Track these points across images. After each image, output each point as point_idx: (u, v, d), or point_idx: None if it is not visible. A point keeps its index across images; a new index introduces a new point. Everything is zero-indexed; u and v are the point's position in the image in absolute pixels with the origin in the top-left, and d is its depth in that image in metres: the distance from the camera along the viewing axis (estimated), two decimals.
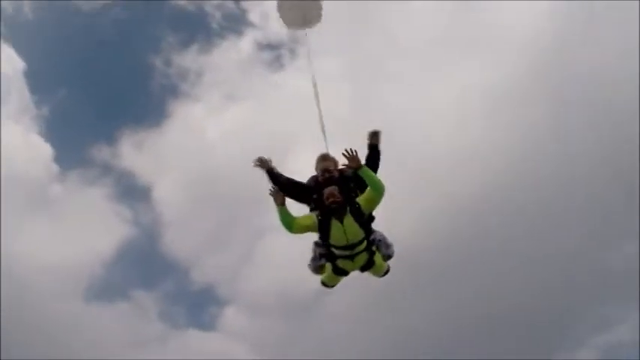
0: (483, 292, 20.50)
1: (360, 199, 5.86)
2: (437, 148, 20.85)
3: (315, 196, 6.07)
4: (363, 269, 6.15)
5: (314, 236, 6.04)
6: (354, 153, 5.74)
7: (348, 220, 5.80)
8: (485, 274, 20.70)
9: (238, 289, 24.00)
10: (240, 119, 25.89)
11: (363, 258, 5.99)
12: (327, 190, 5.87)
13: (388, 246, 5.91)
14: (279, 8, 7.64)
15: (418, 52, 23.11)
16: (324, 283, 6.35)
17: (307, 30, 7.68)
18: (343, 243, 5.86)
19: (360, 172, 5.74)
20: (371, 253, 6.00)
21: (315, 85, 7.16)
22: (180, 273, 24.65)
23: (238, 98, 26.86)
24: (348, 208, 5.81)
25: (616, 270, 20.71)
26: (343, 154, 5.74)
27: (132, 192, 25.86)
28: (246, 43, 27.58)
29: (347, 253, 5.93)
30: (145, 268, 25.94)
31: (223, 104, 27.27)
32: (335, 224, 5.81)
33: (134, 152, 25.83)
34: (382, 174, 5.99)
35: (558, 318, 20.59)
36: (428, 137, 21.15)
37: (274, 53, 28.11)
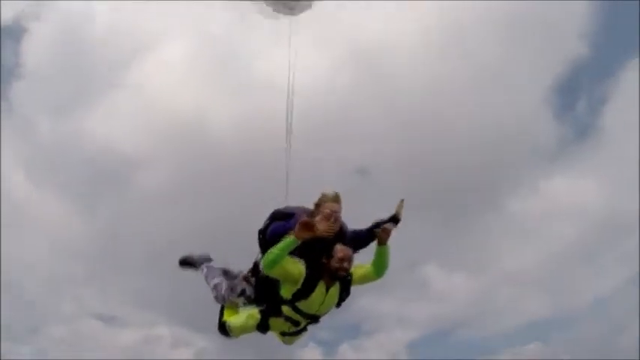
0: None
1: (355, 272, 5.03)
2: None
3: (310, 248, 4.76)
4: (287, 334, 5.18)
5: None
6: (391, 229, 5.04)
7: (335, 290, 4.94)
8: None
9: None
10: None
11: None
12: (343, 251, 4.84)
13: None
14: None
15: None
16: (224, 329, 5.22)
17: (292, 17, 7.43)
18: (312, 311, 4.93)
19: (381, 248, 5.02)
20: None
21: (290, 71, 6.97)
22: None
23: None
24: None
25: None
26: (384, 227, 5.02)
27: None
28: None
29: (302, 321, 4.99)
30: None
31: None
32: (320, 289, 4.85)
33: None
34: None
35: None
36: None
37: None
